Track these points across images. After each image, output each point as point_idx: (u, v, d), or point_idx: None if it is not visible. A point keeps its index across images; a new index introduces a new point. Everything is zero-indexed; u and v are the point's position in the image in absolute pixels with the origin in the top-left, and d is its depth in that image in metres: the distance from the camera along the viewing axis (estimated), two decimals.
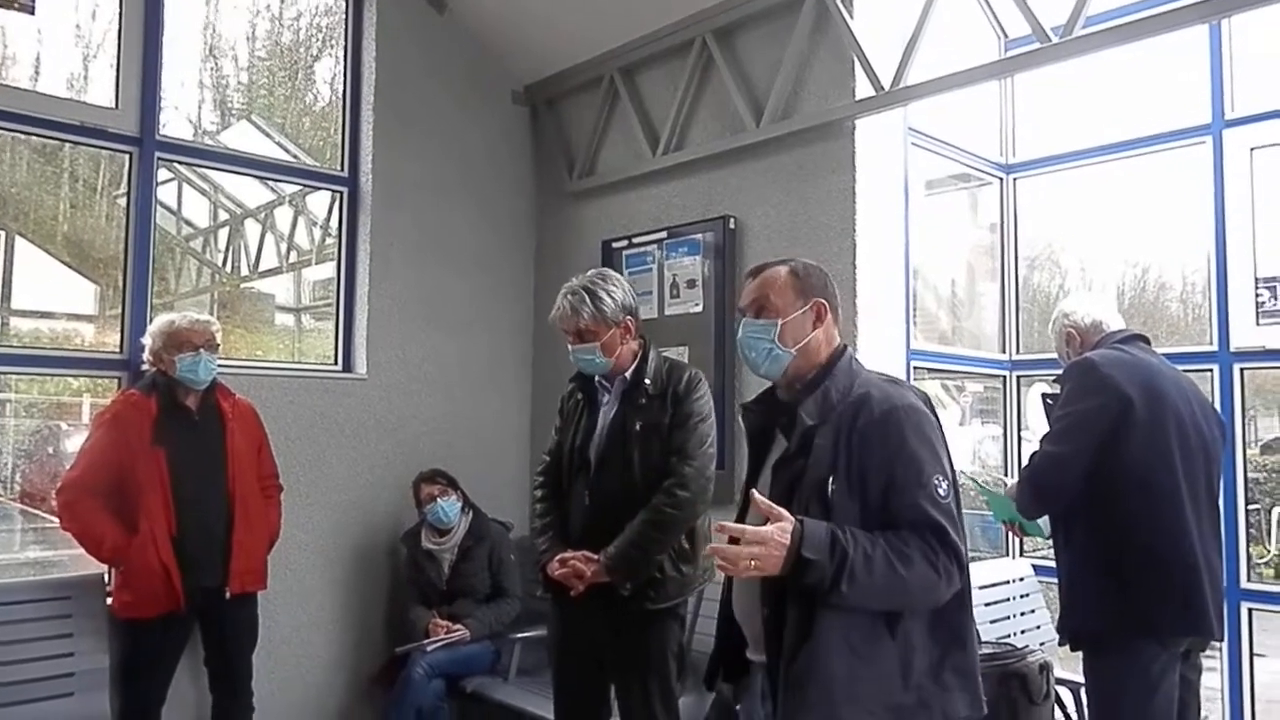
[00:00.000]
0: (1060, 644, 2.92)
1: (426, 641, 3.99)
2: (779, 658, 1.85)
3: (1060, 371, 3.01)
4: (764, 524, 1.77)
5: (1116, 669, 2.70)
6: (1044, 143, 4.57)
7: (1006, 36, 4.38)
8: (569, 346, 2.92)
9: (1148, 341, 2.97)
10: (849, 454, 1.83)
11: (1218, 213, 3.83)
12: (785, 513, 1.77)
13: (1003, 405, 4.58)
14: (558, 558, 2.86)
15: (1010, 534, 3.78)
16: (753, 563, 1.73)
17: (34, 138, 4.01)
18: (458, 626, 4.04)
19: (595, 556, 2.79)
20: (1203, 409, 2.89)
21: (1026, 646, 3.20)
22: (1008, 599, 4.03)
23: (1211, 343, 3.86)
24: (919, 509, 1.76)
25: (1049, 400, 3.02)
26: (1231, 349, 3.79)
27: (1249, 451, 3.86)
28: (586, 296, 2.86)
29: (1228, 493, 3.72)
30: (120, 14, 4.00)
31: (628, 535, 2.76)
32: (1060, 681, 3.24)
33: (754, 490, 1.92)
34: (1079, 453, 2.72)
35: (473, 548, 4.21)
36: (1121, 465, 2.69)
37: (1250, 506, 3.85)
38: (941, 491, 1.78)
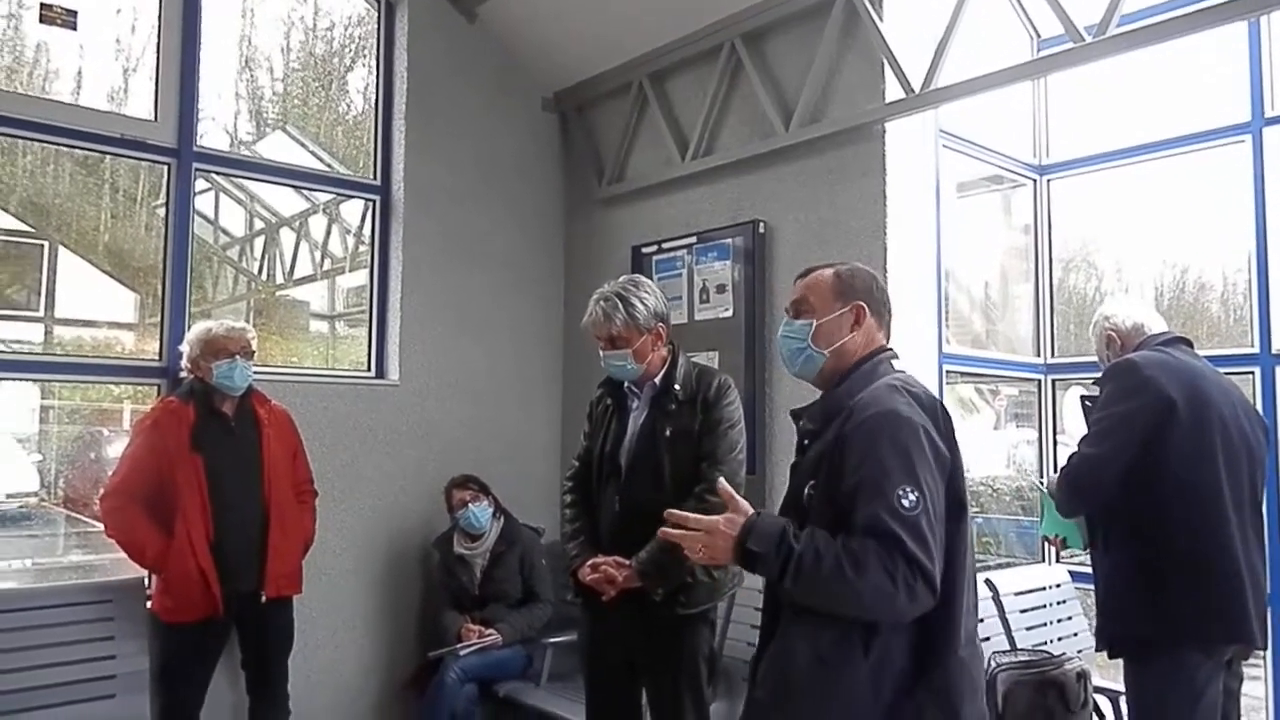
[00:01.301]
0: (1098, 650, 2.87)
1: (459, 646, 4.02)
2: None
3: (1099, 375, 2.97)
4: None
5: (1159, 677, 2.66)
6: (1078, 143, 4.51)
7: (1039, 36, 4.34)
8: (600, 352, 2.93)
9: (1190, 344, 2.93)
10: (830, 460, 1.81)
11: (1258, 212, 3.76)
12: (745, 505, 1.83)
13: (1038, 409, 4.53)
14: (589, 563, 2.86)
15: (1051, 547, 3.72)
16: (701, 549, 1.83)
17: (76, 150, 4.09)
18: (490, 631, 4.06)
19: (626, 562, 2.79)
20: (1246, 412, 2.84)
21: (1064, 654, 3.16)
22: (1044, 605, 3.97)
23: (1253, 345, 3.78)
24: (876, 518, 1.68)
25: (1088, 402, 2.98)
26: (1273, 351, 3.71)
27: None
28: (619, 303, 2.86)
29: (1271, 497, 3.64)
30: (159, 28, 4.08)
31: (659, 540, 2.75)
32: (1099, 690, 3.20)
33: (721, 479, 1.94)
34: (1117, 452, 2.69)
35: (504, 553, 4.23)
36: (1163, 469, 2.65)
37: None
38: (906, 503, 1.68)
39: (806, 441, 1.94)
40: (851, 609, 1.72)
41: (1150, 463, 2.66)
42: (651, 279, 3.90)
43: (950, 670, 1.76)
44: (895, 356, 2.01)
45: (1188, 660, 2.61)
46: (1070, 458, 2.82)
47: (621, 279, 2.99)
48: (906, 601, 1.66)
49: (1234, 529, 2.65)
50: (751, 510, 1.83)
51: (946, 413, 1.89)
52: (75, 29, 3.90)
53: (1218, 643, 2.64)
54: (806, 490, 1.84)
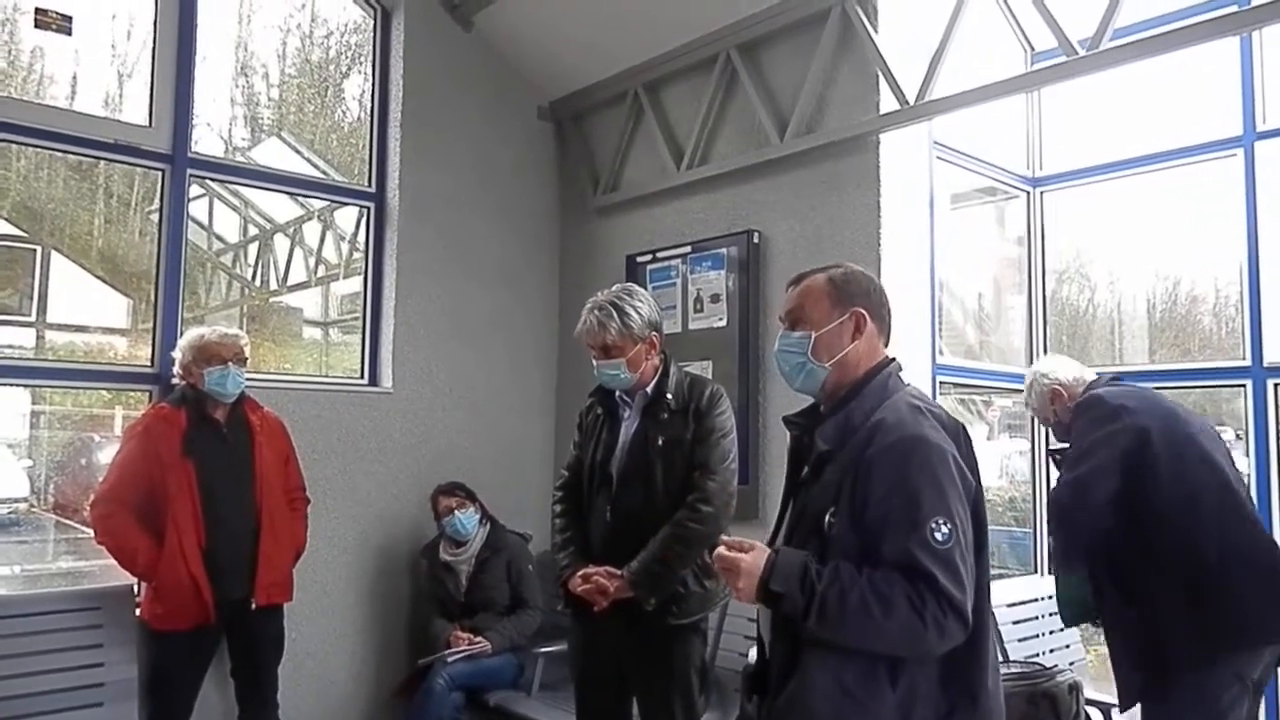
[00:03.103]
0: (1125, 709, 2.84)
1: (447, 653, 4.00)
2: (769, 689, 1.81)
3: (1057, 445, 3.01)
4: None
5: (1188, 701, 2.64)
6: (1071, 156, 4.53)
7: (1033, 49, 4.36)
8: (594, 362, 2.92)
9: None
10: (854, 485, 1.71)
11: (1250, 226, 3.78)
12: (757, 545, 1.75)
13: (1031, 421, 4.53)
14: (580, 573, 2.84)
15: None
16: (733, 584, 1.74)
17: (70, 155, 4.09)
18: (479, 639, 4.04)
19: (618, 572, 2.77)
20: (1212, 431, 2.90)
21: (1056, 666, 3.15)
22: (1036, 617, 3.97)
23: (1244, 358, 3.80)
24: (907, 554, 1.61)
25: (1057, 456, 3.01)
26: (1265, 364, 3.72)
27: None
28: (614, 312, 2.85)
29: (1262, 512, 3.65)
30: (154, 34, 4.08)
31: (651, 550, 2.75)
32: (1090, 702, 3.19)
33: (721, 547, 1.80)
34: (1103, 470, 2.70)
35: (490, 559, 4.22)
36: (1160, 494, 2.68)
37: None
38: (939, 536, 1.61)
39: (819, 461, 1.83)
40: (880, 647, 1.66)
41: (1142, 496, 2.68)
42: (646, 288, 3.90)
43: (983, 710, 1.71)
44: (901, 368, 1.92)
45: (1211, 680, 2.61)
46: (1052, 491, 2.82)
47: (615, 288, 2.98)
48: (937, 638, 1.62)
49: (1256, 518, 2.69)
50: (761, 547, 1.76)
51: (968, 435, 1.82)
52: (70, 34, 3.90)
53: (1260, 644, 2.63)
54: (828, 518, 1.75)
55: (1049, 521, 2.89)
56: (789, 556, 1.72)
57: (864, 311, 1.89)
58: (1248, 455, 3.78)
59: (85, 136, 3.90)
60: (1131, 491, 2.69)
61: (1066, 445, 2.96)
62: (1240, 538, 2.66)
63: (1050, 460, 3.03)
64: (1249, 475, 3.70)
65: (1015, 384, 4.53)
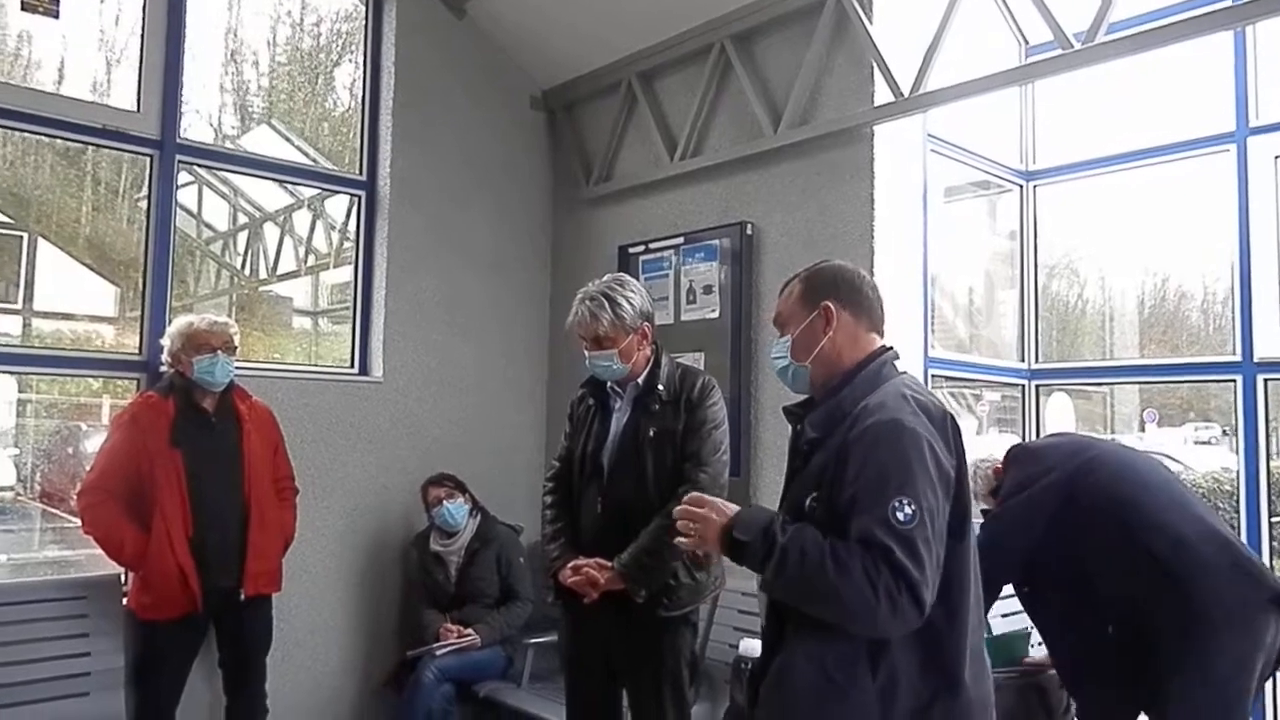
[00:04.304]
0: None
1: (436, 645, 3.99)
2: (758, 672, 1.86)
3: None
4: None
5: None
6: (1065, 150, 4.53)
7: (1028, 43, 4.35)
8: (585, 353, 2.91)
9: None
10: (834, 469, 1.74)
11: (1241, 221, 3.79)
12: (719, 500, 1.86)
13: (1021, 414, 4.54)
14: (570, 565, 2.83)
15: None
16: (692, 534, 1.84)
17: (58, 141, 4.04)
18: (469, 631, 4.03)
19: (608, 563, 2.77)
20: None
21: (1045, 658, 3.16)
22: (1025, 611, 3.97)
23: (1235, 353, 3.81)
24: (868, 530, 1.63)
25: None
26: (1255, 359, 3.74)
27: (1272, 464, 3.81)
28: (606, 303, 2.83)
29: (1250, 507, 3.67)
30: (144, 18, 4.03)
31: (642, 542, 2.75)
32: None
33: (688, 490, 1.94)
34: (1044, 491, 2.79)
35: (480, 550, 4.21)
36: (1102, 495, 2.74)
37: (1273, 519, 3.80)
38: (901, 516, 1.62)
39: (808, 448, 1.86)
40: (831, 611, 1.68)
41: (1078, 514, 2.75)
42: (638, 279, 3.90)
43: (964, 699, 1.72)
44: (897, 357, 1.93)
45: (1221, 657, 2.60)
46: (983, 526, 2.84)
47: (607, 278, 2.96)
48: (889, 613, 1.61)
49: (1201, 505, 2.75)
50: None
51: (956, 426, 1.81)
52: (58, 17, 3.85)
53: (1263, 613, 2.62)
54: (809, 501, 1.78)
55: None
56: (756, 511, 1.80)
57: (830, 304, 1.91)
58: (1236, 451, 3.80)
59: (73, 121, 3.86)
60: (1080, 520, 2.75)
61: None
62: (1194, 527, 2.69)
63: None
64: (1238, 470, 3.73)
65: (1006, 378, 4.56)
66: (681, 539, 1.88)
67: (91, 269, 4.45)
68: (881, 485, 1.66)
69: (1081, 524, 2.73)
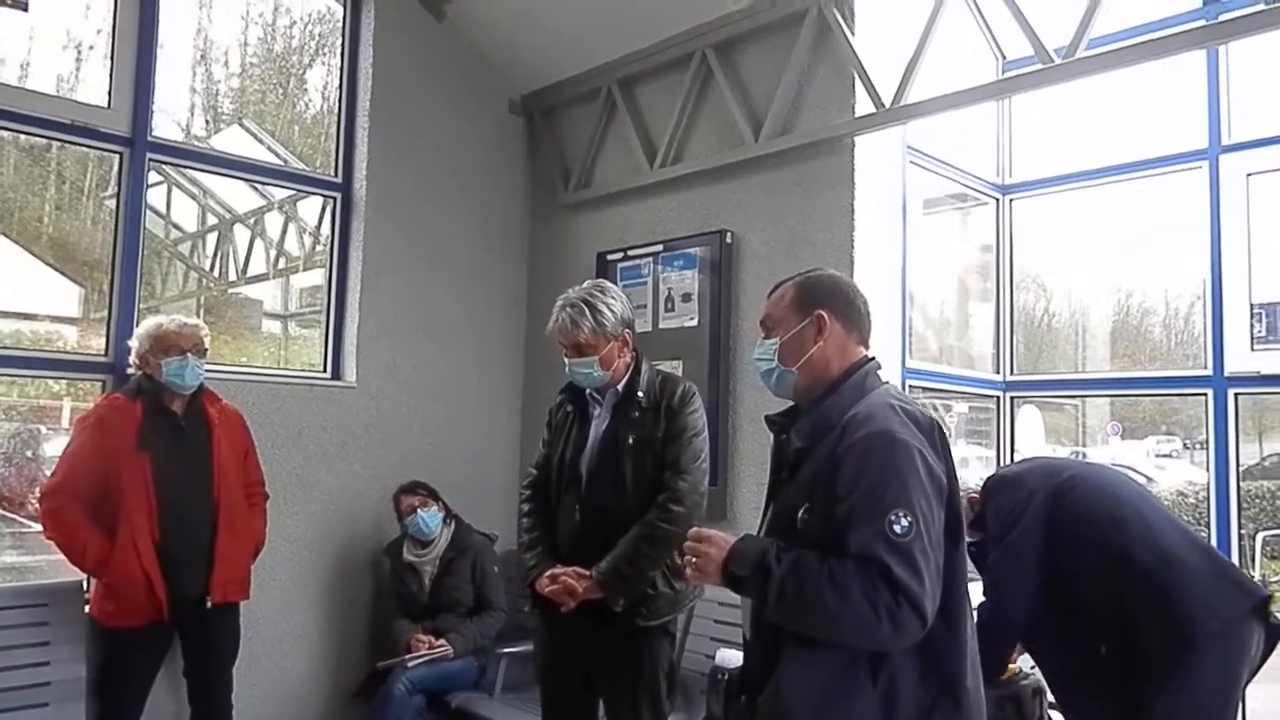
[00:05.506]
0: None
1: (408, 657, 3.92)
2: (752, 684, 1.83)
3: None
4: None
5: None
6: (1041, 164, 4.58)
7: (1004, 58, 4.40)
8: (565, 360, 2.88)
9: None
10: (826, 481, 1.74)
11: (1213, 238, 3.84)
12: (725, 535, 1.82)
13: (996, 426, 4.57)
14: (548, 574, 2.80)
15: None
16: (695, 563, 1.81)
17: (22, 138, 3.95)
18: (441, 642, 3.97)
19: (586, 572, 2.73)
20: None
21: (1019, 670, 3.17)
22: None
23: (1206, 368, 3.86)
24: (866, 545, 1.62)
25: (974, 548, 3.03)
26: (1226, 374, 3.79)
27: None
28: (587, 310, 2.81)
29: (1220, 519, 3.71)
30: (115, 12, 3.95)
31: (620, 550, 2.72)
32: (1054, 705, 3.21)
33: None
34: (1025, 535, 2.77)
35: (455, 560, 4.15)
36: (1085, 514, 2.74)
37: (1242, 532, 3.85)
38: (898, 529, 1.62)
39: (795, 458, 1.85)
40: (834, 637, 1.68)
41: (1065, 536, 2.74)
42: (616, 286, 3.87)
43: (965, 707, 1.72)
44: (880, 367, 1.95)
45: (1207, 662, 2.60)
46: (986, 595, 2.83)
47: (587, 284, 2.93)
48: (891, 630, 1.61)
49: (1174, 522, 2.76)
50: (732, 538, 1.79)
51: (944, 434, 1.82)
52: (26, 9, 3.77)
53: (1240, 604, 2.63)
54: (801, 514, 1.77)
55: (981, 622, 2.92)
56: (751, 542, 1.78)
57: (825, 314, 1.91)
58: (1207, 466, 3.85)
59: (42, 116, 3.77)
60: (1061, 540, 2.75)
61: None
62: (1174, 537, 2.70)
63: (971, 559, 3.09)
64: (1209, 484, 3.77)
65: (980, 389, 4.59)
66: (689, 572, 1.87)
67: (54, 269, 4.34)
68: (877, 499, 1.65)
69: (1068, 546, 2.73)
